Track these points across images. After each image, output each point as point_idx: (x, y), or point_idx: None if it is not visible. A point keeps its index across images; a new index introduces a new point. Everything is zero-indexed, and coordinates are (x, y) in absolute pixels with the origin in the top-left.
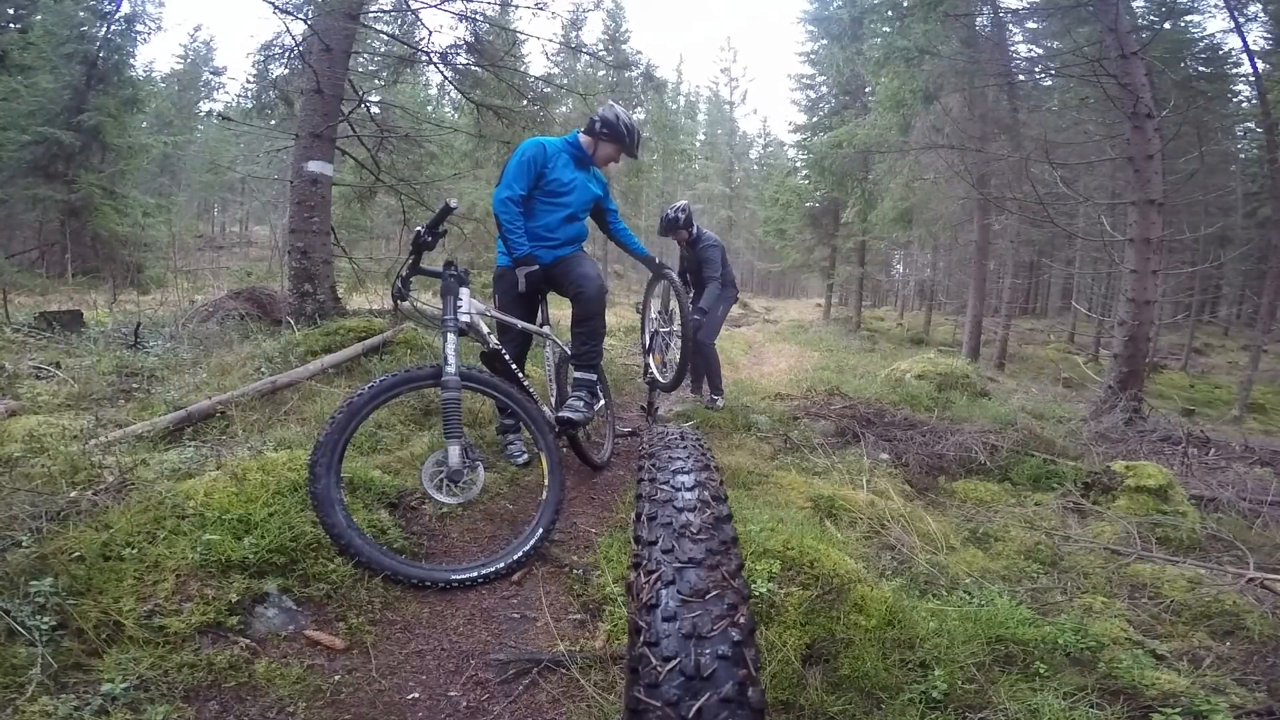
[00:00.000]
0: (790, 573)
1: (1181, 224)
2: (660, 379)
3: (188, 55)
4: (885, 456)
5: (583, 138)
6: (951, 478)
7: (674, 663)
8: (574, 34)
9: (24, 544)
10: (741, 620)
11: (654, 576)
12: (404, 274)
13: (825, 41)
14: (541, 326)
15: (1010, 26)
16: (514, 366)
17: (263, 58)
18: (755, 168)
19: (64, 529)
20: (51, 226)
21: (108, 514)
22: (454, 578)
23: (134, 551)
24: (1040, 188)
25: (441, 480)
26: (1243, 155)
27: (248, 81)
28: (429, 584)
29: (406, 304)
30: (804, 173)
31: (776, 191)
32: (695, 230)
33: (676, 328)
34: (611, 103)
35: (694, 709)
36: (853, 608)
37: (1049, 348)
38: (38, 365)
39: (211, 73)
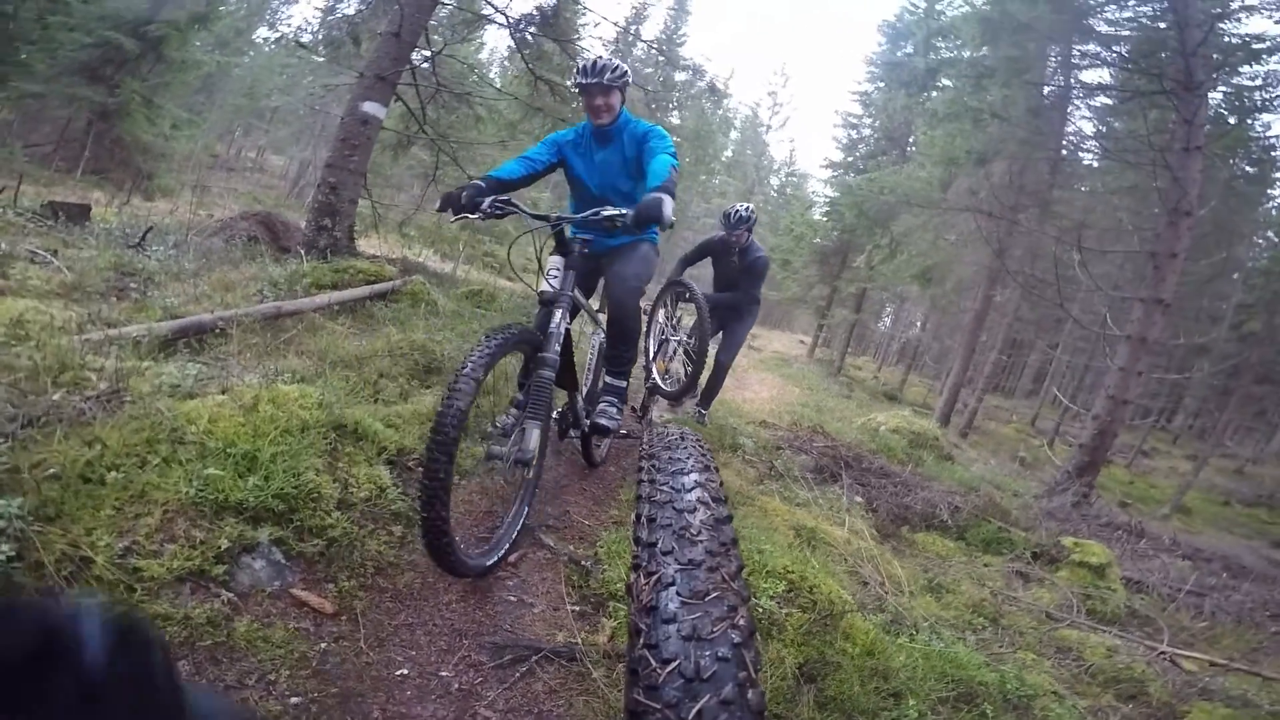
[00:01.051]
0: (791, 594)
1: (1175, 328)
2: (662, 385)
3: None
4: (859, 500)
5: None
6: (914, 529)
7: (674, 665)
8: (635, 27)
9: None
10: (741, 622)
11: (654, 578)
12: (502, 198)
13: (882, 84)
14: (597, 312)
15: (1076, 101)
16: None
17: None
18: (774, 194)
19: (43, 438)
20: (77, 126)
21: (95, 426)
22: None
23: (119, 476)
24: (1058, 269)
25: (510, 456)
26: (1250, 264)
27: (311, 15)
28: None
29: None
30: (825, 209)
31: (792, 223)
32: (750, 238)
33: (684, 337)
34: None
35: (694, 711)
36: (842, 635)
37: (1010, 427)
38: (35, 249)
39: (284, 2)
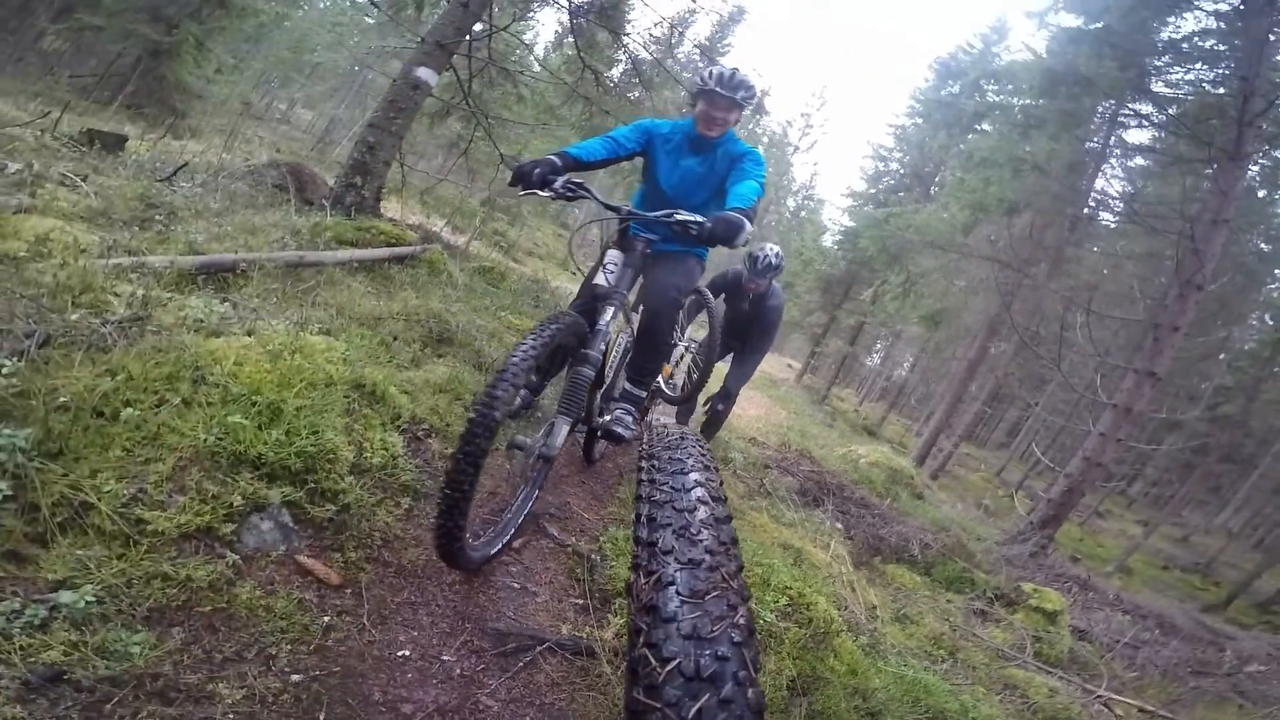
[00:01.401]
0: (791, 609)
1: (1158, 401)
2: (665, 389)
3: None
4: (840, 526)
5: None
6: (885, 560)
7: (674, 664)
8: (680, 31)
9: (5, 369)
10: (741, 622)
11: (654, 577)
12: (576, 179)
13: (921, 120)
14: (636, 309)
15: (1111, 160)
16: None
17: None
18: (789, 215)
19: (60, 359)
20: (125, 61)
21: (115, 354)
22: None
23: (134, 413)
24: (1063, 328)
25: (535, 450)
26: (1239, 345)
27: None
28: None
29: (547, 193)
30: (838, 237)
31: (803, 247)
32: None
33: (689, 342)
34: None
35: (694, 710)
36: (832, 653)
37: (977, 475)
38: (66, 174)
39: None
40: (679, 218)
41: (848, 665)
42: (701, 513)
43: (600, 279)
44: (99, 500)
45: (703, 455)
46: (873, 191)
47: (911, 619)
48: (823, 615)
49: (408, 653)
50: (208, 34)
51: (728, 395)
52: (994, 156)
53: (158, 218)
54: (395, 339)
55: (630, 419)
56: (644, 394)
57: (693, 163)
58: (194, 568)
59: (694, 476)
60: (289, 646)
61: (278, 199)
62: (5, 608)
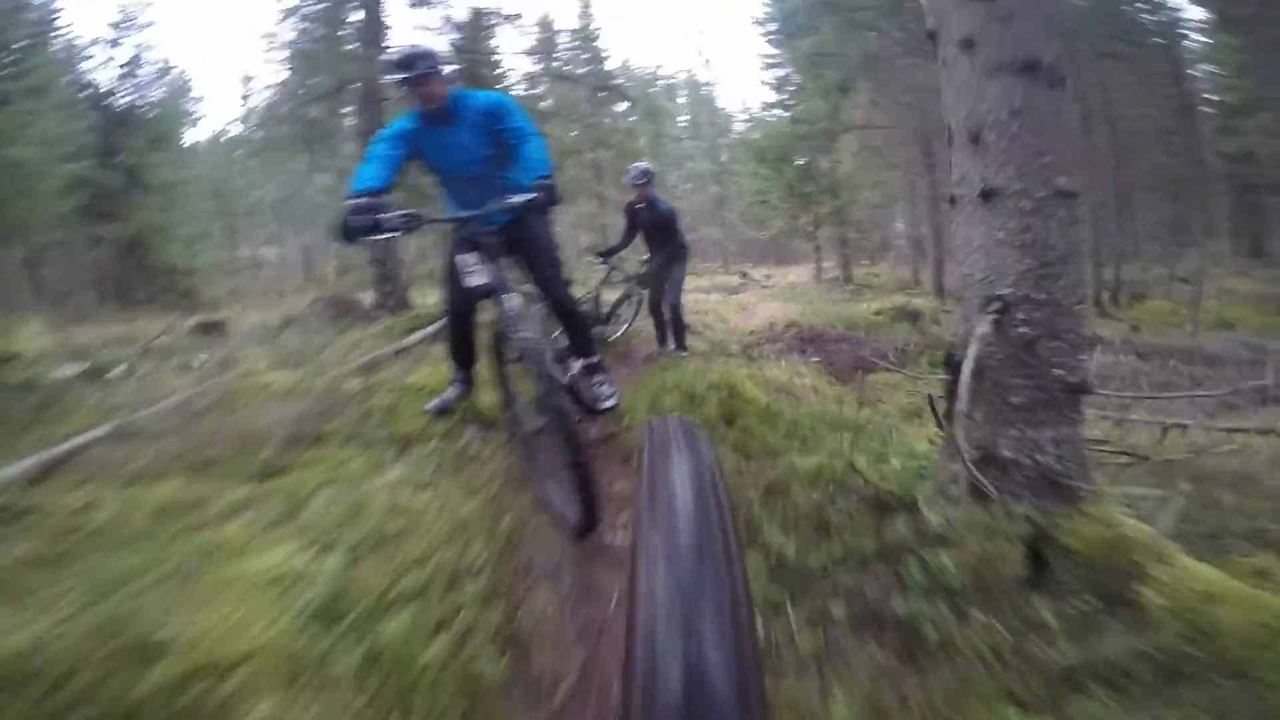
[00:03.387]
0: (717, 388)
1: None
2: (617, 327)
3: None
4: (816, 359)
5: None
6: (868, 372)
7: (673, 668)
8: (553, 35)
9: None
10: (744, 620)
11: (652, 593)
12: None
13: (780, 22)
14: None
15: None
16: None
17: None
18: (739, 144)
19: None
20: (107, 263)
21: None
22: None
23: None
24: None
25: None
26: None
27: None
28: None
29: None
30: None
31: (757, 170)
32: (653, 191)
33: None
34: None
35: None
36: (746, 402)
37: None
38: (229, 353)
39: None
40: (517, 201)
41: (758, 408)
42: (702, 521)
43: (472, 282)
44: None
45: (707, 447)
46: (783, 98)
47: (881, 401)
48: (735, 383)
49: None
50: (161, 212)
51: (663, 302)
52: (810, 55)
53: (306, 355)
54: None
55: (605, 387)
56: (597, 358)
57: (450, 133)
58: None
59: (694, 483)
60: None
61: (343, 324)
62: None
